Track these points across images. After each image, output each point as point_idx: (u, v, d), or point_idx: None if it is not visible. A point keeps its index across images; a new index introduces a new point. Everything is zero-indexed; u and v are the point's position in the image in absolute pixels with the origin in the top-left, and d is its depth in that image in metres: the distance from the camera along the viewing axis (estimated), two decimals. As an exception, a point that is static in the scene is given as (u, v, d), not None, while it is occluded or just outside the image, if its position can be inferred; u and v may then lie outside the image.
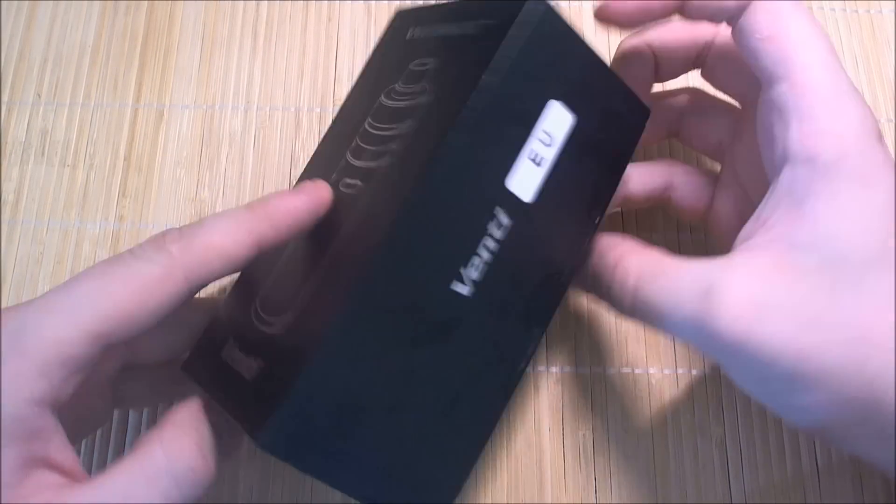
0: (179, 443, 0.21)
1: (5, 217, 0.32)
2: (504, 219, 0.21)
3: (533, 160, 0.22)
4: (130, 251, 0.21)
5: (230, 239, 0.21)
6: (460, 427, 0.22)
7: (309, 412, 0.19)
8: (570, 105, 0.22)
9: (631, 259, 0.24)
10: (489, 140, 0.21)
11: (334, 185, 0.24)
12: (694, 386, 0.29)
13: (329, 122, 0.33)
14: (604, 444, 0.29)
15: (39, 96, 0.34)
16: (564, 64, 0.22)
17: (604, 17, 0.25)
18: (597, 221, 0.24)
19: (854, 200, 0.20)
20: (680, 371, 0.30)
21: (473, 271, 0.21)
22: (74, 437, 0.23)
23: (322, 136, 0.29)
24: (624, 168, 0.25)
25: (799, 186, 0.21)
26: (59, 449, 0.20)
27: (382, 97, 0.25)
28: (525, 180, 0.22)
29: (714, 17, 0.24)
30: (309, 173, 0.28)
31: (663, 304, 0.22)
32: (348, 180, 0.24)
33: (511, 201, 0.21)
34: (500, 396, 0.23)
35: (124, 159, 0.33)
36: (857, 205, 0.20)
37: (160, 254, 0.21)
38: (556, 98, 0.22)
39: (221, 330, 0.25)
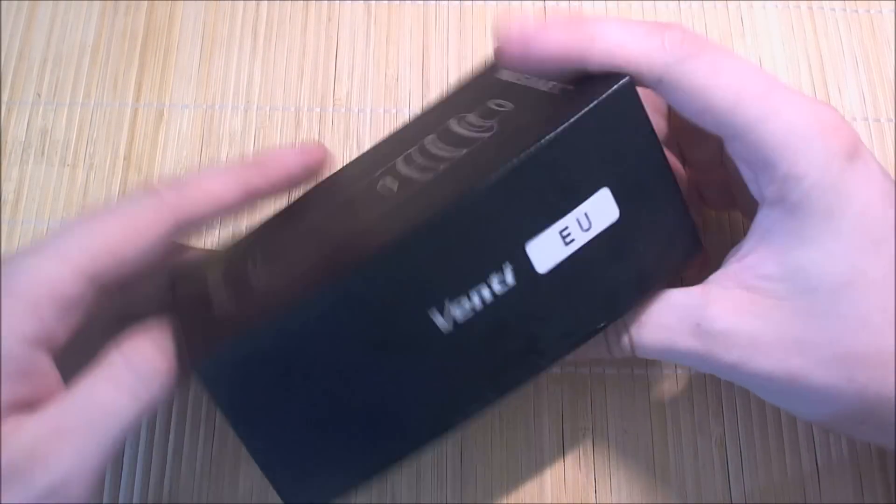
0: (136, 344, 0.21)
1: (5, 217, 0.32)
2: (510, 277, 0.21)
3: (562, 236, 0.21)
4: (122, 196, 0.22)
5: (220, 183, 0.23)
6: (371, 443, 0.22)
7: (254, 361, 0.20)
8: (620, 197, 0.22)
9: None
10: (528, 196, 0.21)
11: (375, 181, 0.25)
12: (694, 386, 0.29)
13: (329, 122, 0.34)
14: (604, 443, 0.29)
15: (39, 96, 0.34)
16: (629, 153, 0.22)
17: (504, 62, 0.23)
18: (601, 327, 0.23)
19: (820, 233, 0.21)
20: (680, 371, 0.30)
21: (458, 311, 0.21)
22: None
23: (319, 135, 0.29)
24: (652, 291, 0.23)
25: (770, 223, 0.22)
26: (52, 390, 0.20)
27: (453, 121, 0.25)
28: (546, 252, 0.21)
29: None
30: (357, 163, 0.28)
31: (661, 348, 0.23)
32: (387, 182, 0.24)
33: (524, 264, 0.21)
34: (420, 438, 0.23)
35: (124, 159, 0.33)
36: (823, 237, 0.21)
37: (149, 196, 0.22)
38: (610, 186, 0.21)
39: (219, 260, 0.26)
